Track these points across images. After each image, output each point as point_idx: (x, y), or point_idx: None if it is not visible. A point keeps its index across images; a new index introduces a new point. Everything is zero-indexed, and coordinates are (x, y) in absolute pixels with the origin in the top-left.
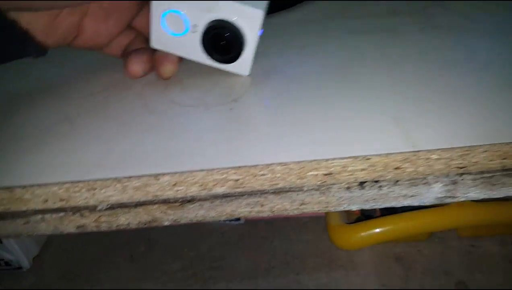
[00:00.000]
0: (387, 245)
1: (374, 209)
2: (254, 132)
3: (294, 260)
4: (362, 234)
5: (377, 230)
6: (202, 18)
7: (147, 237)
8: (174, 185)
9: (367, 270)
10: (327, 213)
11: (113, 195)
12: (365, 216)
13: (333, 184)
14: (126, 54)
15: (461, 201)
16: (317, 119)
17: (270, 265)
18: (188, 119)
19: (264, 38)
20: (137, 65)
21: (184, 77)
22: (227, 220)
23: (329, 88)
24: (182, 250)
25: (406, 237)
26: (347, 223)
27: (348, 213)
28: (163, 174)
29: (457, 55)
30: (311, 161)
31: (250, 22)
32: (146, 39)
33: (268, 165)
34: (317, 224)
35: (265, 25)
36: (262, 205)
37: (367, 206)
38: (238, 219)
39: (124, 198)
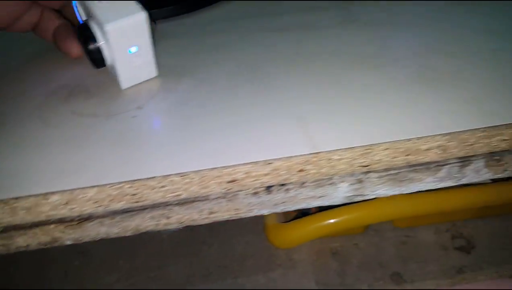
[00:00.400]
0: (324, 240)
1: None
2: (154, 142)
3: (232, 263)
4: (297, 232)
5: (312, 226)
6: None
7: (81, 250)
8: (66, 203)
9: (304, 267)
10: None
11: (3, 217)
12: (302, 213)
13: (239, 190)
14: (56, 36)
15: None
16: (223, 124)
17: (208, 270)
18: (86, 130)
19: (178, 39)
20: (77, 48)
21: (92, 83)
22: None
23: (239, 90)
24: (118, 261)
25: (343, 231)
26: (284, 222)
27: (285, 211)
28: (53, 193)
29: (369, 49)
30: (211, 169)
31: (107, 35)
32: (54, 12)
33: (166, 177)
34: (257, 224)
35: (181, 24)
36: (168, 217)
37: (277, 210)
38: None
39: (16, 220)
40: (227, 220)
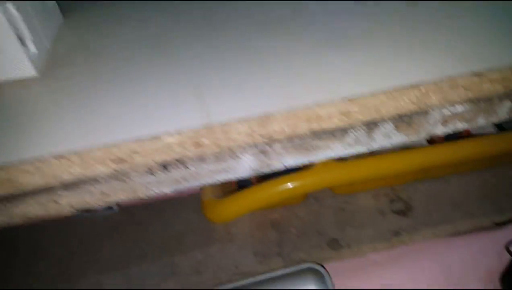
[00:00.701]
0: (265, 212)
1: (250, 179)
2: (35, 122)
3: (170, 242)
4: (232, 206)
5: (246, 200)
6: None
7: (11, 239)
8: None
9: (243, 240)
10: (201, 189)
11: None
12: (240, 186)
13: (131, 170)
14: None
15: (333, 160)
16: (112, 98)
17: (144, 251)
18: None
19: (79, 12)
20: None
21: None
22: (98, 210)
23: (136, 62)
24: (50, 248)
25: (280, 202)
26: (221, 197)
27: (223, 186)
28: None
29: (284, 13)
30: (93, 149)
31: None
32: None
33: (41, 160)
34: (197, 201)
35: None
36: (57, 202)
37: (180, 187)
38: (110, 207)
39: None
40: (166, 199)
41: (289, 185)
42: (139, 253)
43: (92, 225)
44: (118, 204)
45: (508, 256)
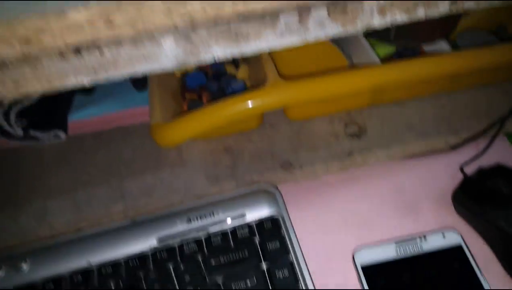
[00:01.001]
0: (218, 139)
1: (201, 102)
2: None
3: (119, 167)
4: (181, 128)
5: (196, 121)
6: None
7: None
8: None
9: (194, 165)
10: (150, 114)
11: None
12: (190, 109)
13: (41, 54)
14: None
15: (288, 80)
16: None
17: (92, 176)
18: None
19: None
20: None
21: None
22: (45, 139)
23: None
24: None
25: (233, 124)
26: (171, 120)
27: (173, 110)
28: None
29: None
30: None
31: None
32: None
33: None
34: (148, 129)
35: None
36: None
37: (100, 76)
38: (57, 136)
39: None
40: (115, 128)
41: (240, 105)
42: (86, 178)
43: (39, 154)
44: (66, 133)
45: (462, 177)
